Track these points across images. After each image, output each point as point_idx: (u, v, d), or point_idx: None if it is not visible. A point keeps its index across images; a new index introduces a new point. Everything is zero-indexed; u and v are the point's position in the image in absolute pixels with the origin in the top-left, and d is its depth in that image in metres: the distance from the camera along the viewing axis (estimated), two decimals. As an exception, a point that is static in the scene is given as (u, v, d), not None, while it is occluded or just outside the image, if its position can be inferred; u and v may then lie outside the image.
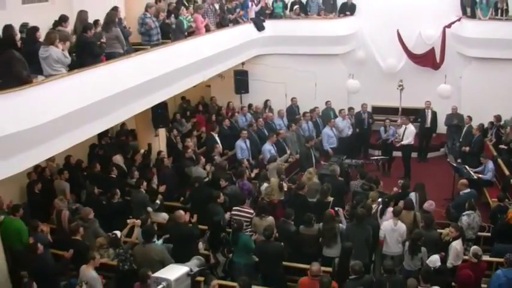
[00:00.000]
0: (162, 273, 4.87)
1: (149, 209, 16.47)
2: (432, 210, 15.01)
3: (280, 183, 17.34)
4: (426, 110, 24.01)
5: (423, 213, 14.75)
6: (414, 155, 23.48)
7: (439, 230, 14.47)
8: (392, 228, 14.16)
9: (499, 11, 24.18)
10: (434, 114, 24.11)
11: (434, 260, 12.73)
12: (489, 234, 15.76)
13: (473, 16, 24.61)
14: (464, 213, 15.15)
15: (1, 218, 14.61)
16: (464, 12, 24.92)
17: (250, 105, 26.05)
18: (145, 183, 17.00)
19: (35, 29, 13.82)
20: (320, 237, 14.44)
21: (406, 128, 22.04)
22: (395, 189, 16.76)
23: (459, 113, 23.43)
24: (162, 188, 17.01)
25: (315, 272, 12.07)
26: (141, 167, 19.10)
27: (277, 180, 17.56)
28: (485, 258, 13.85)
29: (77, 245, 13.48)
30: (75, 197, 17.56)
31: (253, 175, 19.29)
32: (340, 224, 14.53)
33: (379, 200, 15.43)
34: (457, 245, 13.27)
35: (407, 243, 13.56)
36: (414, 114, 24.20)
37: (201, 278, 11.92)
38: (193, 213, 15.61)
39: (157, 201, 16.92)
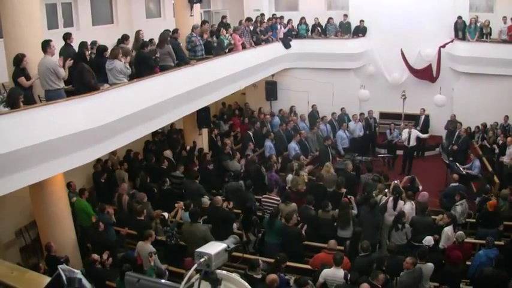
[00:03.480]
0: (204, 249, 4.91)
1: (206, 197, 16.72)
2: (425, 200, 15.01)
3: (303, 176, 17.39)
4: (420, 116, 24.11)
5: (417, 202, 14.82)
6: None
7: (433, 217, 14.54)
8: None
9: (484, 34, 24.25)
10: (426, 119, 24.24)
11: (429, 239, 12.81)
12: (474, 220, 15.82)
13: (463, 38, 24.59)
14: (457, 203, 15.30)
15: (74, 199, 14.83)
16: (456, 35, 24.85)
17: (280, 110, 26.00)
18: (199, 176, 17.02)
19: (105, 48, 14.11)
20: (335, 221, 14.52)
21: (410, 132, 21.98)
22: (405, 178, 16.90)
23: (456, 120, 23.31)
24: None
25: (331, 246, 12.19)
26: (186, 160, 19.20)
27: (305, 174, 17.65)
28: (471, 240, 14.12)
29: (141, 224, 13.63)
30: (132, 184, 17.68)
31: (279, 166, 19.40)
32: (353, 210, 14.59)
33: (386, 190, 15.40)
34: (448, 230, 13.32)
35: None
36: (414, 119, 24.13)
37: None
38: (230, 200, 15.77)
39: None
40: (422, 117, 24.07)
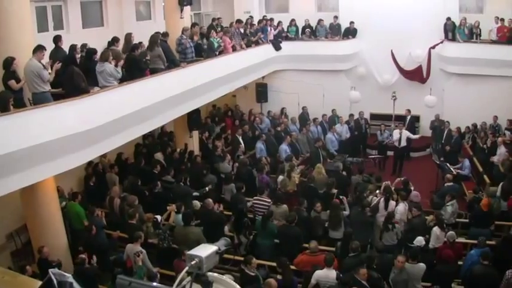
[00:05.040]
0: (195, 251, 4.91)
1: (196, 193, 16.76)
2: (419, 200, 15.11)
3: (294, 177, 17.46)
4: (406, 117, 24.18)
5: (411, 203, 14.88)
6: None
7: (425, 217, 14.60)
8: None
9: (474, 35, 24.38)
10: (412, 119, 24.33)
11: (419, 240, 12.97)
12: (466, 220, 15.98)
13: (453, 39, 24.73)
14: (448, 204, 15.39)
15: (63, 203, 14.79)
16: (446, 36, 24.97)
17: (269, 112, 26.09)
18: (183, 178, 17.06)
19: (94, 51, 14.21)
20: (327, 222, 14.56)
21: (401, 133, 22.06)
22: (397, 180, 17.00)
23: (441, 119, 23.47)
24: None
25: (313, 249, 12.26)
26: (177, 163, 19.17)
27: (296, 176, 17.76)
28: (463, 240, 14.24)
29: (132, 228, 13.55)
30: (122, 187, 17.66)
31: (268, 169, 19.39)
32: (344, 211, 14.64)
33: (377, 191, 15.50)
34: (436, 230, 13.41)
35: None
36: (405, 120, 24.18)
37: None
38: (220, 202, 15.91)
39: (207, 188, 17.17)
40: (408, 118, 24.12)
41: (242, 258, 12.55)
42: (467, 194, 18.15)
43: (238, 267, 11.45)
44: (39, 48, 11.87)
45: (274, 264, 12.32)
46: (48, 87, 11.99)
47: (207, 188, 17.04)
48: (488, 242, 13.07)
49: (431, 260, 12.52)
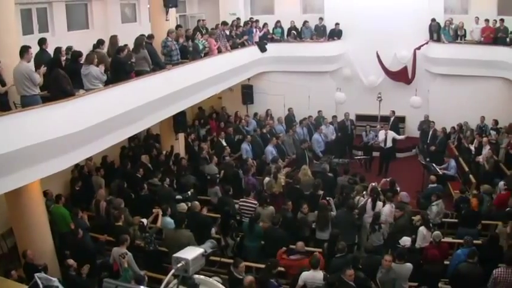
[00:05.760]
0: (181, 254, 4.90)
1: (178, 196, 16.63)
2: (409, 201, 15.29)
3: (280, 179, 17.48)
4: (390, 117, 24.31)
5: (401, 203, 14.98)
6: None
7: (412, 217, 14.74)
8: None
9: (459, 36, 24.55)
10: (395, 120, 24.46)
11: (405, 240, 13.01)
12: (452, 220, 16.13)
13: (438, 40, 24.90)
14: (433, 204, 15.49)
15: (52, 207, 14.75)
16: (431, 37, 25.14)
17: (255, 114, 26.12)
18: (168, 180, 17.06)
19: (79, 53, 14.11)
20: (314, 223, 14.58)
21: (387, 133, 22.16)
22: (383, 181, 16.91)
23: (430, 120, 23.55)
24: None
25: (298, 249, 12.27)
26: (163, 165, 19.13)
27: (282, 177, 17.78)
28: (449, 240, 14.40)
29: (119, 230, 13.49)
30: (109, 190, 17.60)
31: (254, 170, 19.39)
32: (331, 212, 14.66)
33: (364, 192, 15.54)
34: (423, 230, 13.45)
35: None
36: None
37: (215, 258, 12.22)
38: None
39: (189, 192, 17.03)
40: (392, 119, 24.26)
41: (229, 261, 12.57)
42: (453, 194, 18.35)
43: (227, 269, 11.42)
44: (25, 50, 11.80)
45: (262, 266, 12.32)
46: (38, 90, 11.92)
47: (189, 192, 16.99)
48: (474, 241, 13.06)
49: (418, 259, 12.56)
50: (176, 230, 13.28)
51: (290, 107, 25.75)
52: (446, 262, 12.90)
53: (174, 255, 4.68)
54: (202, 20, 22.95)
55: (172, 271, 4.57)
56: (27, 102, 11.68)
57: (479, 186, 17.20)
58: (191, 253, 4.68)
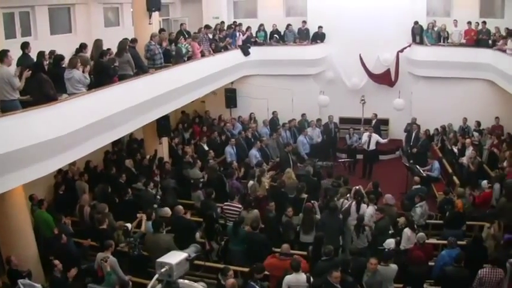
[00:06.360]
0: (165, 258, 4.89)
1: (155, 205, 16.52)
2: (394, 203, 15.38)
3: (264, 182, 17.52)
4: (372, 120, 24.46)
5: (385, 206, 15.10)
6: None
7: (397, 219, 14.80)
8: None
9: (442, 38, 24.72)
10: (377, 123, 24.58)
11: (389, 242, 13.12)
12: (437, 221, 16.24)
13: (421, 42, 25.12)
14: (417, 205, 15.59)
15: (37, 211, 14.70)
16: (414, 40, 25.35)
17: (239, 117, 26.12)
18: (152, 184, 17.03)
19: (61, 57, 14.06)
20: (298, 226, 14.61)
21: (370, 136, 22.23)
22: (369, 185, 16.96)
23: (417, 123, 23.61)
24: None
25: (284, 251, 12.24)
26: (147, 170, 19.07)
27: (267, 181, 17.90)
28: (434, 241, 14.54)
29: (103, 234, 13.46)
30: (92, 195, 17.52)
31: (241, 174, 19.44)
32: (316, 215, 14.67)
33: (348, 195, 15.60)
34: (407, 231, 13.53)
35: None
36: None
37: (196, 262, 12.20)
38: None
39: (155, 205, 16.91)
40: (374, 122, 24.37)
41: (214, 265, 12.58)
42: (437, 196, 18.48)
43: (216, 275, 11.39)
44: (4, 54, 11.70)
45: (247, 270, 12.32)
46: (17, 95, 11.83)
47: (155, 205, 16.93)
48: (459, 242, 13.17)
49: (403, 261, 12.60)
50: (155, 235, 13.24)
51: (274, 110, 25.80)
52: (431, 263, 12.96)
53: (158, 260, 4.67)
54: (182, 24, 23.02)
55: (156, 276, 4.56)
56: (6, 107, 11.58)
57: (464, 187, 17.26)
58: (175, 258, 4.68)
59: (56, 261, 12.05)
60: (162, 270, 4.49)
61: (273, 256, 12.38)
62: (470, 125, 23.92)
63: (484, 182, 17.19)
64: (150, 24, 18.61)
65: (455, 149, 21.50)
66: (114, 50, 16.47)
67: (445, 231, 14.99)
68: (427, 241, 13.24)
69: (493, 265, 11.52)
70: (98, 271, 12.25)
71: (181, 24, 23.02)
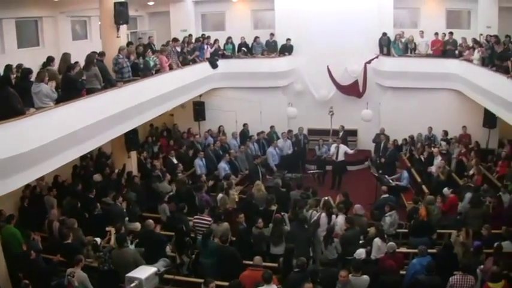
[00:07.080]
0: (134, 273, 4.84)
1: (126, 219, 16.42)
2: (363, 213, 15.44)
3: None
4: (339, 132, 24.67)
5: (354, 216, 15.08)
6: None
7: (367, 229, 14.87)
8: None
9: (409, 49, 25.03)
10: (345, 134, 24.84)
11: (359, 252, 13.16)
12: (406, 230, 16.25)
13: (388, 54, 25.39)
14: (386, 215, 15.71)
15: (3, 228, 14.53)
16: (381, 51, 25.60)
17: (208, 130, 26.07)
18: (121, 199, 16.90)
19: (29, 71, 13.91)
20: (268, 238, 14.61)
21: (338, 147, 22.33)
22: (338, 197, 16.80)
23: (385, 133, 23.85)
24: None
25: (256, 263, 12.20)
26: (115, 184, 18.94)
27: (236, 193, 17.94)
28: (404, 250, 14.59)
29: (69, 248, 13.35)
30: (61, 210, 17.36)
31: (210, 184, 19.51)
32: (285, 227, 14.66)
33: (317, 207, 15.62)
34: (378, 241, 13.55)
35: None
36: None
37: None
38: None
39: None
40: (341, 134, 24.54)
41: (184, 278, 12.54)
42: (406, 205, 18.64)
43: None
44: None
45: (220, 283, 12.26)
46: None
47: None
48: (430, 250, 13.28)
49: (374, 271, 12.63)
50: (120, 249, 13.05)
51: (245, 122, 25.89)
52: (402, 272, 13.01)
53: (127, 274, 4.67)
54: (149, 37, 22.99)
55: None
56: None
57: (435, 196, 17.38)
58: (144, 272, 4.69)
59: (26, 281, 11.93)
60: (132, 285, 4.50)
61: (247, 268, 12.36)
62: (436, 134, 24.24)
63: (445, 189, 17.45)
64: (117, 37, 18.53)
65: (422, 158, 21.72)
66: (82, 63, 16.36)
67: (411, 240, 15.19)
68: (397, 250, 13.29)
69: (464, 272, 11.60)
70: (68, 287, 12.15)
71: (150, 37, 22.94)
